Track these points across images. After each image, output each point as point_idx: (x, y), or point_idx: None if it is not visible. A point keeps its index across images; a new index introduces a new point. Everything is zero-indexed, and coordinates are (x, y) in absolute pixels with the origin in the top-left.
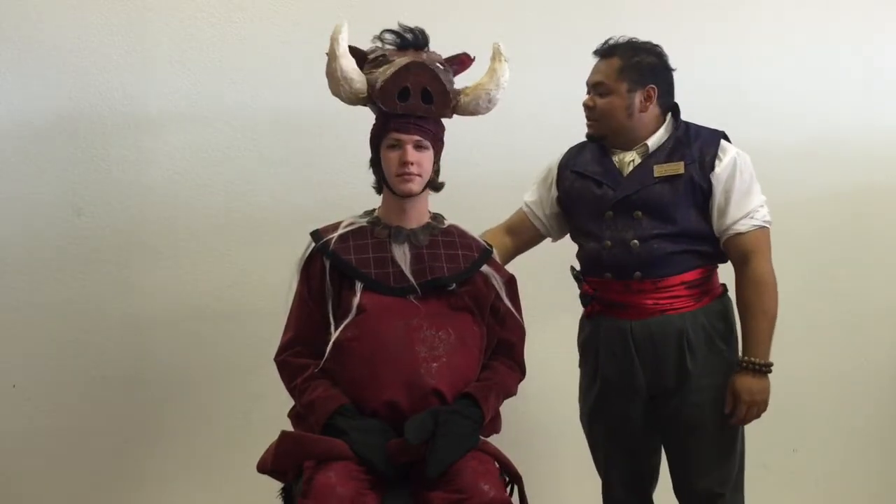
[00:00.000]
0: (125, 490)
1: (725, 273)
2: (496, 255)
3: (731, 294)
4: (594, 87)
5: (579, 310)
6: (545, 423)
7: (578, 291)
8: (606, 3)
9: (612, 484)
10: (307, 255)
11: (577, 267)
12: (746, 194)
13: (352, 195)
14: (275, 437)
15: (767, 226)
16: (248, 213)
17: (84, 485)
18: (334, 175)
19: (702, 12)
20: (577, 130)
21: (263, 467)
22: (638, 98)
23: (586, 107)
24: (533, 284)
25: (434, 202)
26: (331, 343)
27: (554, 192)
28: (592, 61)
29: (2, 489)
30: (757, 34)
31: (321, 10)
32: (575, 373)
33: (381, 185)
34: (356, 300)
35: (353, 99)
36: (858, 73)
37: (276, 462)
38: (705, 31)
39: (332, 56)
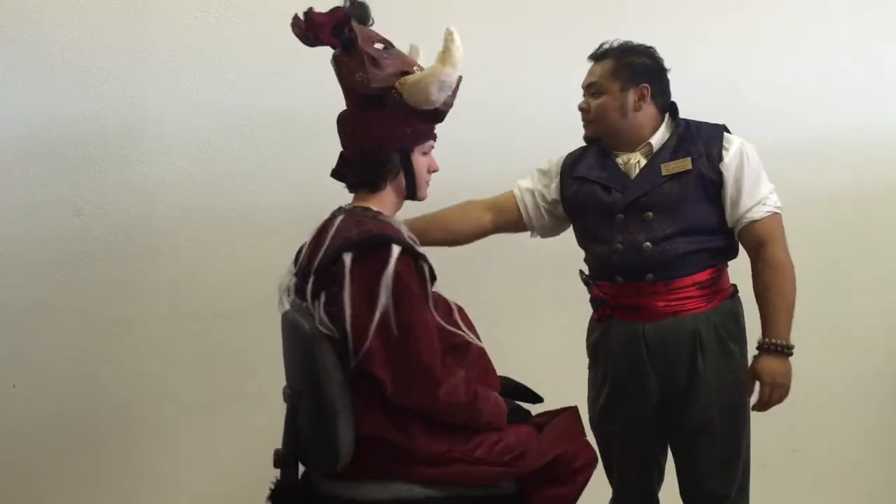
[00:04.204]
0: (125, 490)
1: (736, 275)
2: None
3: (741, 295)
4: (587, 88)
5: (578, 309)
6: None
7: (572, 291)
8: (606, 3)
9: (625, 487)
10: (404, 265)
11: (586, 271)
12: (756, 182)
13: (351, 195)
14: (275, 437)
15: (780, 211)
16: (248, 213)
17: (84, 484)
18: None
19: (701, 12)
20: (575, 130)
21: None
22: (631, 97)
23: (581, 109)
24: (532, 283)
25: (431, 202)
26: (479, 345)
27: (554, 195)
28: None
29: (2, 489)
30: (756, 34)
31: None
32: (572, 373)
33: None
34: (451, 302)
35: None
36: (858, 73)
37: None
38: (704, 31)
39: (455, 64)
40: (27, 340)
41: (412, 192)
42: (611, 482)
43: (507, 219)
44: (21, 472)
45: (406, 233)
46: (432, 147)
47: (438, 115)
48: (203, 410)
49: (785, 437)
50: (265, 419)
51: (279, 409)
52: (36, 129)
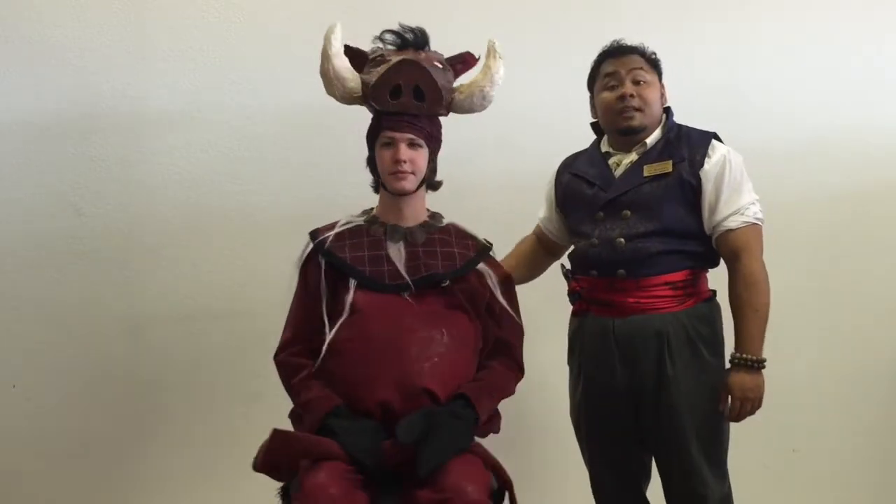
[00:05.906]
0: (125, 490)
1: (717, 280)
2: (494, 254)
3: (720, 300)
4: (631, 74)
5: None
6: (544, 423)
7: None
8: (606, 3)
9: (600, 480)
10: (305, 254)
11: (568, 266)
12: (736, 191)
13: (352, 195)
14: None
15: (759, 223)
16: (248, 213)
17: (84, 485)
18: (334, 175)
19: (701, 13)
20: (575, 130)
21: (256, 466)
22: (662, 90)
23: (630, 96)
24: (531, 284)
25: (434, 202)
26: (326, 343)
27: (552, 200)
28: (591, 61)
29: (2, 489)
30: (756, 34)
31: (321, 10)
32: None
33: (378, 183)
34: (349, 299)
35: (347, 98)
36: (858, 73)
37: (267, 461)
38: (704, 32)
39: (325, 56)
40: (27, 340)
41: (381, 183)
42: (589, 473)
43: (551, 249)
44: (21, 472)
45: (339, 228)
46: (393, 138)
47: (375, 108)
48: (203, 410)
49: (785, 437)
50: (266, 419)
51: (279, 409)
52: (36, 128)
